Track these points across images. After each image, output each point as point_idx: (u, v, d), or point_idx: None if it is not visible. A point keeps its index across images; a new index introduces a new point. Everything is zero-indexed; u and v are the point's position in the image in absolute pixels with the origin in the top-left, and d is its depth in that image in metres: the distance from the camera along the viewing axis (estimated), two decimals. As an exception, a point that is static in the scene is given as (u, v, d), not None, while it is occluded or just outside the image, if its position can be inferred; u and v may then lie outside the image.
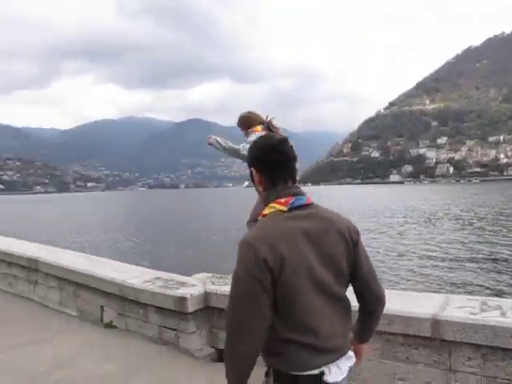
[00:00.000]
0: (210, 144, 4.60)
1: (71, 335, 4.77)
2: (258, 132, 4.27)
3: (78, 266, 5.43)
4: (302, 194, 1.61)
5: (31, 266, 5.94)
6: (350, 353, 1.65)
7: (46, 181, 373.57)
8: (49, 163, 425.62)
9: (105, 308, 5.13)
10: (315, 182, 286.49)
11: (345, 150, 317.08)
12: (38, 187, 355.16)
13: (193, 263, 16.26)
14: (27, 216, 53.14)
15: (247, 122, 4.53)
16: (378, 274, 1.78)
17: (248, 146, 4.44)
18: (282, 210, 1.55)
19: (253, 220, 4.12)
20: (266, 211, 1.59)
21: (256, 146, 1.68)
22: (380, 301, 1.74)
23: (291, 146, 1.67)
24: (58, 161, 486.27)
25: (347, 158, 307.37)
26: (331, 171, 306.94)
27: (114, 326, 4.98)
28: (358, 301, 1.75)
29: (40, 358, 4.12)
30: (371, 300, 1.73)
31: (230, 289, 1.54)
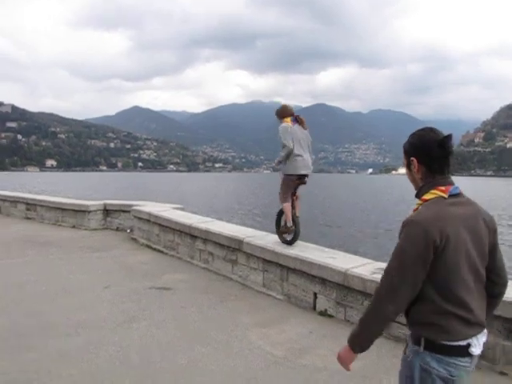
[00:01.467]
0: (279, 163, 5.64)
1: (292, 320, 4.61)
2: (287, 122, 5.50)
3: (287, 250, 5.28)
4: (454, 183, 1.79)
5: (233, 246, 5.97)
6: (485, 329, 1.80)
7: (179, 160, 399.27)
8: (182, 144, 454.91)
9: (318, 295, 4.91)
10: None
11: (476, 140, 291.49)
12: (171, 166, 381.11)
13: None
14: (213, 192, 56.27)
15: (281, 113, 5.67)
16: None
17: (281, 130, 5.44)
18: (443, 197, 1.74)
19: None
20: (427, 196, 1.77)
21: (421, 139, 1.82)
22: (505, 286, 1.92)
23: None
24: (190, 142, 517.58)
25: (479, 149, 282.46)
26: (460, 162, 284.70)
27: (329, 315, 4.76)
28: (487, 284, 1.84)
29: (274, 341, 4.00)
30: (500, 284, 1.89)
31: (394, 256, 1.73)
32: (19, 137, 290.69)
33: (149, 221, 8.16)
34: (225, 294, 5.43)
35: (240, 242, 5.79)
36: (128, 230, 9.58)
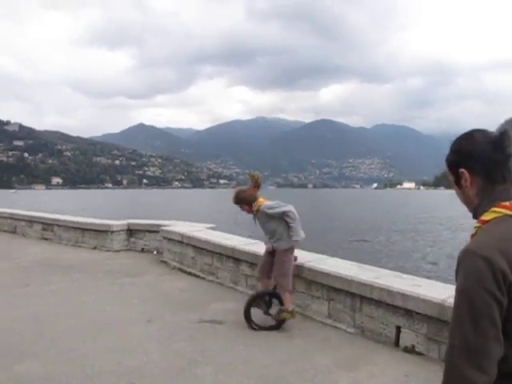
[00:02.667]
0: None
1: (377, 360, 3.89)
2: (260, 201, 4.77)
3: (361, 277, 4.57)
4: None
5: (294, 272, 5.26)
6: None
7: (183, 177, 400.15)
8: (186, 161, 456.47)
9: (403, 329, 4.19)
10: (449, 186, 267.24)
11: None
12: (176, 182, 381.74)
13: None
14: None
15: (251, 197, 4.84)
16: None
17: (271, 210, 4.64)
18: (508, 215, 1.31)
19: None
20: (488, 217, 1.34)
21: (469, 142, 1.39)
22: None
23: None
24: (194, 158, 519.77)
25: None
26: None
27: (418, 353, 4.03)
28: None
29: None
30: None
31: (457, 307, 1.26)
32: (26, 155, 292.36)
33: (181, 242, 7.47)
34: (285, 326, 4.71)
35: (300, 267, 5.08)
36: (155, 252, 8.90)
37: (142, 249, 9.29)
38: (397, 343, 4.26)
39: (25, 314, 5.06)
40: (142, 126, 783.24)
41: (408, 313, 4.12)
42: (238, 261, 6.19)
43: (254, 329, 4.62)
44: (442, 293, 4.06)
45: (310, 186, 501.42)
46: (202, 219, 10.63)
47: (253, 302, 4.71)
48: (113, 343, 4.15)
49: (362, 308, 4.55)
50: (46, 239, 10.97)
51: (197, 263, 7.12)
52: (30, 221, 11.75)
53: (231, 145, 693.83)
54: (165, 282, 6.65)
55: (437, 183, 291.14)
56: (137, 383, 3.34)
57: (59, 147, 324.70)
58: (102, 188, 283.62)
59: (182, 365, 3.69)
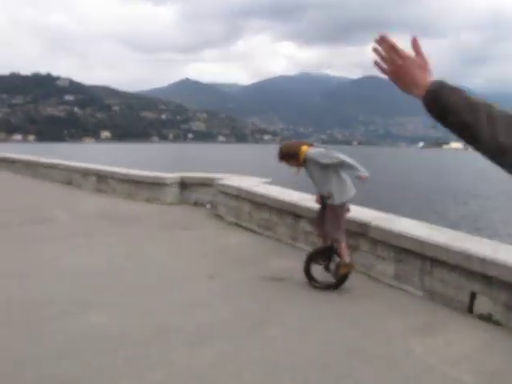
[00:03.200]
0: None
1: (452, 327, 3.69)
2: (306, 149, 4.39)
3: (434, 238, 4.31)
4: None
5: (353, 230, 5.04)
6: None
7: (228, 132, 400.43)
8: (231, 116, 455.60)
9: (478, 296, 3.94)
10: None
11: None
12: (221, 137, 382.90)
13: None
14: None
15: (293, 147, 4.54)
16: None
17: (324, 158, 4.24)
18: None
19: None
20: None
21: None
22: None
23: None
24: (239, 114, 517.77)
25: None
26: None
27: (495, 322, 3.79)
28: None
29: (449, 359, 3.10)
30: None
31: None
32: (76, 109, 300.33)
33: (238, 196, 7.37)
34: (349, 286, 4.54)
35: (365, 225, 4.85)
36: (208, 206, 8.87)
37: (195, 202, 9.28)
38: (470, 310, 4.03)
39: (88, 264, 5.12)
40: (187, 80, 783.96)
41: (486, 279, 3.86)
42: (297, 217, 6.02)
43: (316, 286, 4.48)
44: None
45: (355, 142, 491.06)
46: (254, 173, 10.44)
47: (312, 257, 4.53)
48: (178, 299, 4.10)
49: (432, 271, 4.31)
50: (100, 191, 11.15)
51: (253, 218, 7.02)
52: (85, 173, 11.96)
53: (276, 100, 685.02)
54: (222, 237, 6.61)
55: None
56: (208, 342, 3.28)
57: (107, 102, 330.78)
58: (148, 142, 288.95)
59: (250, 324, 3.60)
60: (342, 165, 4.25)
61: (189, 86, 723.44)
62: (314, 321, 3.73)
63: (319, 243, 4.87)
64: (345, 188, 4.36)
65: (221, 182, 8.03)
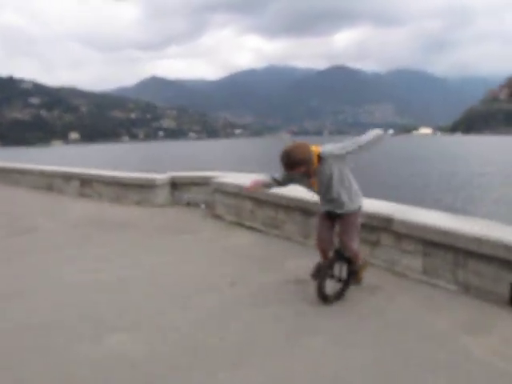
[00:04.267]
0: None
1: (500, 323, 3.48)
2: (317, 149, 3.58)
3: (466, 229, 4.10)
4: None
5: (374, 224, 4.80)
6: None
7: (199, 128, 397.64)
8: (200, 111, 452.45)
9: (520, 287, 3.76)
10: (465, 132, 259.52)
11: (501, 97, 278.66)
12: (192, 133, 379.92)
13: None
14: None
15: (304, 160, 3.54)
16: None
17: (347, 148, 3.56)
18: None
19: None
20: None
21: None
22: None
23: None
24: (208, 109, 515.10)
25: (504, 106, 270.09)
26: (484, 120, 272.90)
27: (541, 314, 3.61)
28: None
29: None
30: None
31: None
32: (42, 112, 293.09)
33: (238, 194, 7.05)
34: (375, 284, 4.30)
35: (388, 219, 4.61)
36: (203, 206, 8.53)
37: (188, 203, 8.92)
38: (511, 301, 3.84)
39: (90, 278, 4.67)
40: (154, 78, 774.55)
41: (529, 269, 3.68)
42: (307, 213, 5.75)
43: (331, 302, 3.89)
44: None
45: (326, 132, 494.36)
46: (244, 169, 10.13)
47: (326, 273, 3.89)
48: (204, 312, 3.76)
49: (466, 263, 4.11)
50: (85, 196, 10.66)
51: (257, 216, 6.72)
52: (67, 177, 11.43)
53: (245, 94, 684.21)
54: (226, 238, 6.29)
55: (453, 128, 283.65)
56: (252, 360, 2.98)
57: (74, 103, 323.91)
58: (119, 142, 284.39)
59: (287, 333, 3.32)
60: (369, 145, 3.59)
61: (156, 84, 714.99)
62: (353, 324, 3.47)
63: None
64: (358, 189, 3.89)
65: (217, 180, 7.69)
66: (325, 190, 3.68)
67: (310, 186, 3.77)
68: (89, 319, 3.66)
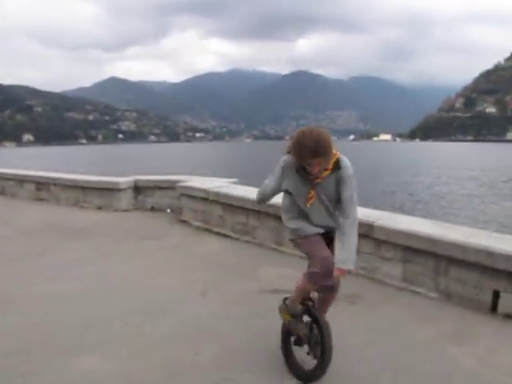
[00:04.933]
0: None
1: (483, 330, 3.38)
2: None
3: (449, 236, 3.99)
4: None
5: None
6: None
7: (159, 131, 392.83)
8: (161, 114, 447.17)
9: (502, 294, 3.68)
10: (423, 138, 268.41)
11: (457, 105, 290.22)
12: (152, 137, 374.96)
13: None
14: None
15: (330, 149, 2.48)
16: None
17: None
18: None
19: None
20: None
21: None
22: None
23: None
24: (170, 112, 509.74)
25: (459, 114, 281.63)
26: (441, 127, 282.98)
27: (524, 321, 3.54)
28: None
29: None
30: None
31: None
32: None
33: (206, 199, 6.78)
34: (355, 293, 4.14)
35: (369, 226, 4.46)
36: (168, 210, 8.21)
37: (152, 207, 8.58)
38: (494, 309, 3.76)
39: (51, 290, 4.32)
40: (114, 79, 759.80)
41: (511, 275, 3.60)
42: (281, 218, 5.53)
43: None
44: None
45: (287, 137, 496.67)
46: (210, 173, 9.83)
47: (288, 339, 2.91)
48: (178, 326, 3.46)
49: (448, 271, 4.01)
50: (41, 200, 10.11)
51: (226, 222, 6.47)
52: (20, 180, 10.82)
53: (207, 97, 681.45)
54: (195, 245, 6.00)
55: (412, 135, 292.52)
56: (238, 378, 2.73)
57: (28, 102, 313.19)
58: (76, 144, 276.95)
59: (274, 350, 3.09)
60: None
61: (116, 85, 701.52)
62: (340, 335, 3.27)
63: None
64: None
65: (184, 184, 7.40)
66: (322, 207, 2.65)
67: (303, 197, 2.63)
68: (52, 338, 3.30)
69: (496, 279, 3.70)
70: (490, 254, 3.65)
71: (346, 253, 2.54)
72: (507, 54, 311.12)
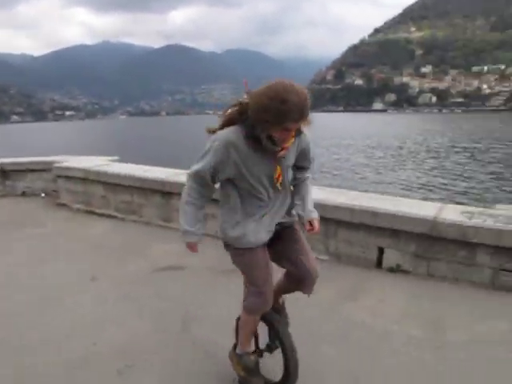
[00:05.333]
0: None
1: (372, 284, 3.60)
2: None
3: (335, 200, 4.16)
4: None
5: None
6: None
7: (22, 110, 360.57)
8: (24, 91, 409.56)
9: (386, 250, 3.95)
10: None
11: (328, 78, 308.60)
12: (15, 116, 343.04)
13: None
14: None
15: None
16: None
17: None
18: None
19: None
20: None
21: None
22: None
23: None
24: (34, 89, 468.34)
25: (330, 86, 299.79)
26: (314, 99, 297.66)
27: (404, 271, 3.89)
28: None
29: (396, 320, 3.00)
30: None
31: None
32: None
33: (85, 179, 6.31)
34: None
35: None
36: (43, 194, 7.53)
37: (23, 192, 7.79)
38: (379, 264, 4.03)
39: None
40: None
41: (394, 233, 3.87)
42: (167, 194, 5.36)
43: None
44: (426, 209, 3.86)
45: (163, 113, 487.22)
46: (86, 153, 9.15)
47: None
48: (72, 318, 3.16)
49: (337, 233, 4.19)
50: None
51: (110, 202, 6.10)
52: None
53: (76, 73, 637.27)
54: (78, 229, 5.57)
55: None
56: (136, 363, 2.57)
57: None
58: None
59: (175, 329, 2.96)
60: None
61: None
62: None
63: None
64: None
65: (60, 165, 6.80)
66: (283, 191, 2.11)
67: (264, 181, 1.99)
68: None
69: (380, 237, 3.96)
70: (374, 213, 3.88)
71: (311, 203, 2.24)
72: (371, 31, 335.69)
